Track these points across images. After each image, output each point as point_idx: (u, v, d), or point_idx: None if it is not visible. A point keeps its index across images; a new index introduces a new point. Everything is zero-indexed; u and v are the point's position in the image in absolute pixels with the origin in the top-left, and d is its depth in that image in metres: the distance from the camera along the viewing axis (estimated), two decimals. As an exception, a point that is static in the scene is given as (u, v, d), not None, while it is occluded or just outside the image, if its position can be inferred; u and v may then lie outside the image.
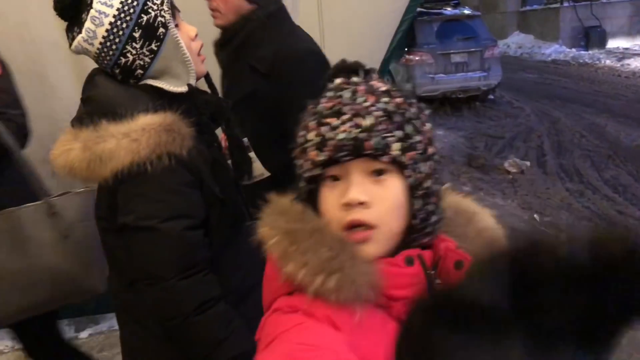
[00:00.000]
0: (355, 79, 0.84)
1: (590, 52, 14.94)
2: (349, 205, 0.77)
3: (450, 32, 9.46)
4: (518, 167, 6.29)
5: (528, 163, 6.41)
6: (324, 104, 0.82)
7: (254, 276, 0.95)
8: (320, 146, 0.79)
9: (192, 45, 1.24)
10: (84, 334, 3.03)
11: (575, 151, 6.83)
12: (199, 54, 1.27)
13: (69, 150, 1.13)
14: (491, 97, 10.16)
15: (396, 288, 0.77)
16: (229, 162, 1.38)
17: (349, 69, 0.85)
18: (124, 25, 1.15)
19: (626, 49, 14.80)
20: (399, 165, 0.79)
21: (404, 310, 0.58)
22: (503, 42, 16.47)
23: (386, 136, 0.78)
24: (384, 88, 0.83)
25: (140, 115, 1.14)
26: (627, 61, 12.87)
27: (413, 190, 0.80)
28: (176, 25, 1.21)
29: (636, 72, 11.72)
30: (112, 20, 1.14)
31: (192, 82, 1.22)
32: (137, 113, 1.14)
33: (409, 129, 0.80)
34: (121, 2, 1.15)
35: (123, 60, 1.17)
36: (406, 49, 8.96)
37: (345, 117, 0.79)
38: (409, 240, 0.82)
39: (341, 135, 0.77)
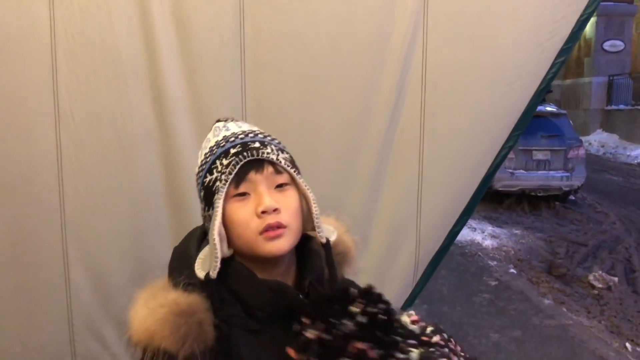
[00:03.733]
0: None
1: (681, 158, 14.18)
2: None
3: (534, 128, 9.17)
4: (605, 283, 5.80)
5: (616, 279, 5.90)
6: None
7: None
8: None
9: (253, 223, 0.93)
10: None
11: (669, 270, 6.26)
12: (264, 231, 0.93)
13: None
14: (572, 197, 9.70)
15: None
16: None
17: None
18: (198, 182, 1.01)
19: None
20: None
21: None
22: (585, 139, 15.97)
23: None
24: None
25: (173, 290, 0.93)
26: None
27: None
28: (243, 194, 0.94)
29: None
30: (196, 170, 1.03)
31: (212, 273, 0.91)
32: (176, 285, 0.93)
33: None
34: (204, 154, 1.01)
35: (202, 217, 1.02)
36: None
37: None
38: None
39: None
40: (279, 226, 0.91)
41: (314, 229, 0.98)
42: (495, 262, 6.47)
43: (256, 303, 0.92)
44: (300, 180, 0.97)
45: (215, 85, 2.17)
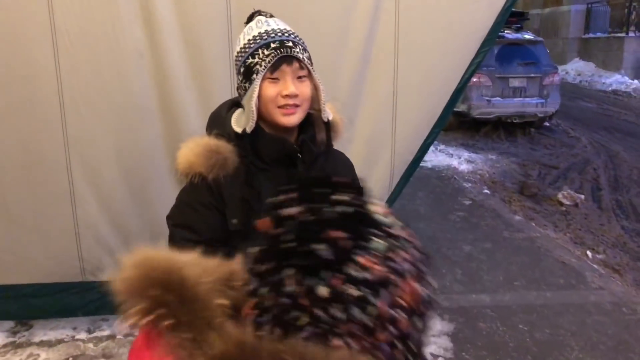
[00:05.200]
0: None
1: (654, 84, 14.46)
2: None
3: (511, 56, 9.32)
4: (572, 200, 6.14)
5: (582, 196, 6.24)
6: None
7: None
8: None
9: (278, 100, 1.29)
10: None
11: (633, 188, 6.63)
12: (283, 107, 1.30)
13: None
14: (547, 124, 9.97)
15: None
16: None
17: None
18: (239, 60, 1.34)
19: (693, 84, 14.27)
20: None
21: None
22: (562, 68, 16.13)
23: None
24: None
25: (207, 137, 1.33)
26: (693, 97, 12.41)
27: None
28: (275, 79, 1.29)
29: (702, 110, 11.29)
30: (235, 55, 1.37)
31: (248, 129, 1.31)
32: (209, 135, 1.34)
33: None
34: (248, 40, 1.33)
35: (237, 87, 1.37)
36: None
37: None
38: None
39: None
40: (295, 106, 1.29)
41: (319, 110, 1.37)
42: (470, 184, 6.77)
43: (265, 150, 1.33)
44: (315, 74, 1.33)
45: (201, 4, 2.29)
